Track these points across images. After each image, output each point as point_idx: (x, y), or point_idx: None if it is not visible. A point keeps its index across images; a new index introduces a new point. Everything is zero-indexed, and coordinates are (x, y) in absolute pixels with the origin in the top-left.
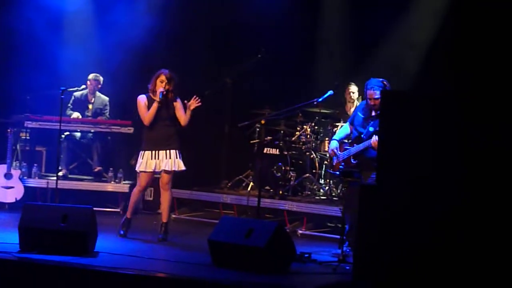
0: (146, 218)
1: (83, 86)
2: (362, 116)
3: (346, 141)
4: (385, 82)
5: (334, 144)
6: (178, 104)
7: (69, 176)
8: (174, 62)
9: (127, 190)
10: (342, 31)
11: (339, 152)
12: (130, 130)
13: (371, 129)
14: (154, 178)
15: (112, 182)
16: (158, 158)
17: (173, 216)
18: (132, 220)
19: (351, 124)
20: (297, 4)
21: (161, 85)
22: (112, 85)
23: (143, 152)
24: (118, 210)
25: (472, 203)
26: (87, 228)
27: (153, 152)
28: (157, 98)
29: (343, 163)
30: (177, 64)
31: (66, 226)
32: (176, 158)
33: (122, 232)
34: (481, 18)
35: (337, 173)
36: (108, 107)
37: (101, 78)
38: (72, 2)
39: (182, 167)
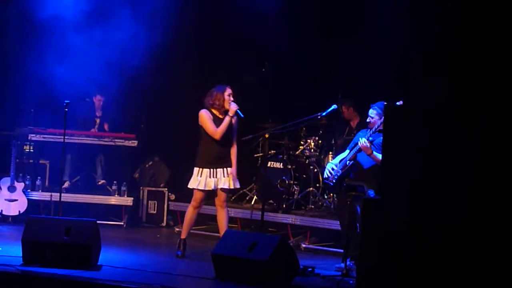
0: (149, 231)
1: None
2: (362, 134)
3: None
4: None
5: (329, 166)
6: (235, 120)
7: (73, 189)
8: (176, 77)
9: (130, 204)
10: (346, 44)
11: (335, 168)
12: (134, 143)
13: (370, 139)
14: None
15: (116, 195)
16: (216, 177)
17: (176, 229)
18: (187, 239)
19: (350, 148)
20: (301, 16)
21: (229, 99)
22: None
23: (200, 169)
24: (122, 223)
25: (479, 217)
26: (91, 241)
27: (211, 170)
28: (231, 112)
29: (340, 171)
30: (179, 78)
31: (69, 239)
32: (235, 175)
33: (179, 253)
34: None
35: (331, 184)
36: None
37: (101, 97)
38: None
39: (238, 185)
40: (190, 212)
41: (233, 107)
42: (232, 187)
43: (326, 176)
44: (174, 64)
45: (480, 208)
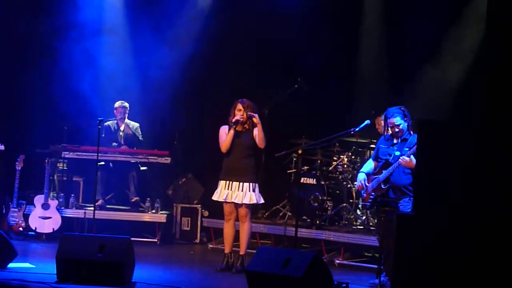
0: (182, 248)
1: (118, 118)
2: (385, 146)
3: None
4: (402, 109)
5: (361, 176)
6: (256, 132)
7: (106, 206)
8: (208, 94)
9: (164, 220)
10: (381, 59)
11: (367, 184)
12: (167, 160)
13: (397, 153)
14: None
15: (149, 212)
16: (231, 189)
17: (210, 246)
18: (231, 253)
19: (375, 159)
20: (335, 32)
21: (238, 113)
22: (149, 115)
23: (219, 181)
24: (155, 240)
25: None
26: (124, 258)
27: (227, 182)
28: (234, 124)
29: (373, 193)
30: (212, 95)
31: (103, 256)
32: (249, 191)
33: (219, 267)
34: None
35: (368, 203)
36: (139, 131)
37: (127, 105)
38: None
39: (254, 201)
40: (224, 226)
41: (233, 119)
42: (250, 201)
43: (359, 186)
44: (207, 81)
45: None
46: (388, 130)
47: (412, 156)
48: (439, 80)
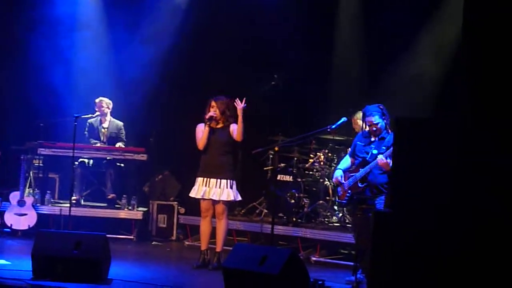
0: (158, 245)
1: (97, 113)
2: (362, 143)
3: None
4: (381, 107)
5: (338, 173)
6: (232, 128)
7: (82, 203)
8: (185, 90)
9: (140, 217)
10: (358, 56)
11: (344, 181)
12: (144, 157)
13: (375, 151)
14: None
15: (126, 209)
16: (208, 186)
17: (186, 243)
18: (207, 250)
19: (352, 156)
20: (311, 29)
21: (212, 110)
22: (124, 112)
23: (197, 178)
24: (132, 237)
25: (492, 231)
26: (100, 255)
27: (205, 179)
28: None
29: (349, 190)
30: (188, 91)
31: (79, 253)
32: (227, 188)
33: (195, 264)
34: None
35: (344, 201)
36: (123, 132)
37: (108, 101)
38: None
39: (232, 198)
40: (201, 223)
41: (206, 116)
42: (227, 198)
43: (335, 181)
44: (183, 77)
45: (495, 223)
46: (366, 127)
47: (389, 159)
48: (418, 76)
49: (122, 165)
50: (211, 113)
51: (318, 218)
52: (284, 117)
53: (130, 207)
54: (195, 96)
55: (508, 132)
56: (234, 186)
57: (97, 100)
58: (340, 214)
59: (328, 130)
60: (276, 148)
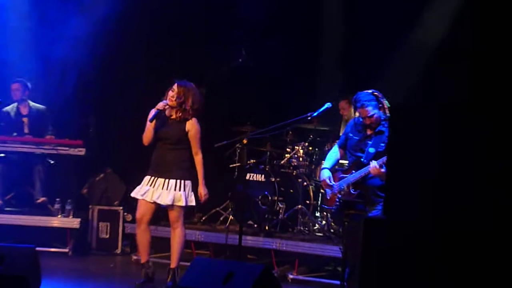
0: (100, 259)
1: (15, 104)
2: (357, 138)
3: (338, 167)
4: (376, 93)
5: (325, 173)
6: (191, 125)
7: (6, 208)
8: (132, 69)
9: (77, 226)
10: (345, 32)
11: (334, 182)
12: (81, 151)
13: (371, 150)
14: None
15: (59, 216)
16: (153, 186)
17: (134, 257)
18: (149, 262)
19: (342, 147)
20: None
21: (170, 99)
22: (56, 97)
23: (145, 176)
24: (67, 250)
25: (499, 237)
26: (28, 271)
27: (152, 178)
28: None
29: (339, 195)
30: (136, 70)
31: (2, 269)
32: (175, 190)
33: (138, 282)
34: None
35: (334, 207)
36: (49, 119)
37: (25, 83)
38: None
39: (183, 202)
40: (136, 230)
41: (158, 105)
42: (176, 203)
43: (323, 182)
44: (130, 54)
45: (495, 228)
46: (357, 114)
47: (384, 168)
48: (415, 58)
49: (53, 162)
50: (163, 103)
51: (296, 226)
52: (255, 102)
53: (64, 214)
54: (146, 78)
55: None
56: (188, 188)
57: (14, 86)
58: (324, 222)
59: (309, 118)
60: (244, 141)
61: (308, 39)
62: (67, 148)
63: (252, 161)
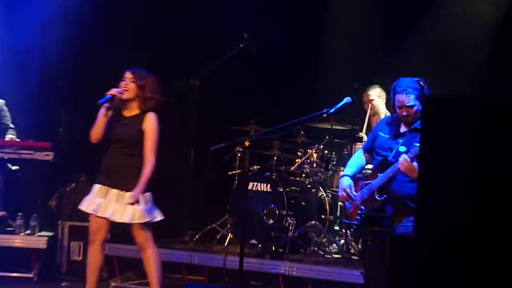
0: (71, 286)
1: None
2: (387, 135)
3: (360, 175)
4: (421, 83)
5: (345, 182)
6: (148, 121)
7: None
8: (108, 59)
9: (44, 246)
10: (365, 15)
11: (355, 193)
12: (49, 156)
13: (402, 148)
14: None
15: (22, 233)
16: (105, 198)
17: (113, 284)
18: None
19: (368, 151)
20: None
21: (123, 88)
22: (19, 93)
23: (94, 185)
24: (31, 275)
25: None
26: None
27: (103, 187)
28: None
29: (363, 206)
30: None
31: None
32: (136, 205)
33: None
34: None
35: (355, 222)
36: (7, 114)
37: None
38: None
39: (142, 219)
40: (88, 250)
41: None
42: (133, 220)
43: (342, 196)
44: (107, 42)
45: None
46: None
47: (415, 161)
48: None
49: (16, 167)
50: (116, 89)
51: (309, 246)
52: (259, 98)
53: (28, 231)
54: (127, 68)
55: None
56: (149, 200)
57: None
58: (342, 241)
59: (324, 115)
60: (247, 143)
61: (323, 26)
62: (32, 152)
63: (255, 167)
